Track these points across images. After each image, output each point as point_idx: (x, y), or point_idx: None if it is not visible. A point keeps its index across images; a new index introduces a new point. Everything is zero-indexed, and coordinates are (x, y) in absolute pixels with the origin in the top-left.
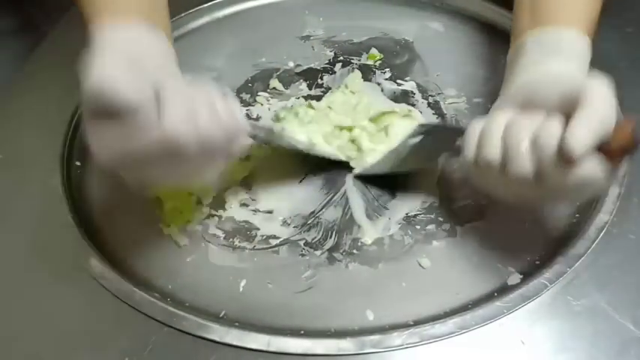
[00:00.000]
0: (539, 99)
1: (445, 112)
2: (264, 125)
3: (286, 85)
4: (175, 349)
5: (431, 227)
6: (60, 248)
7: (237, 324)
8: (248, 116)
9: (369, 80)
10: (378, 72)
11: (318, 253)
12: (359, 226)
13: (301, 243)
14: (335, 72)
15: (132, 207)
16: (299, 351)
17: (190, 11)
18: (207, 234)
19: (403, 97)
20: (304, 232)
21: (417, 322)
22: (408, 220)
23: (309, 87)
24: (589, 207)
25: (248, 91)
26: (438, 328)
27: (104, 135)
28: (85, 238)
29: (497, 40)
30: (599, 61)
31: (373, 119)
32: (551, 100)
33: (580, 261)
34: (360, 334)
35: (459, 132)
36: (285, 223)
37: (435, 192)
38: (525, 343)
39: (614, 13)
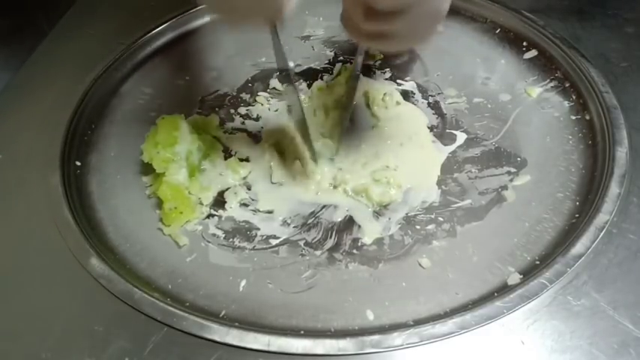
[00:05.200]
0: None
1: (445, 112)
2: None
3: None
4: (175, 349)
5: (431, 227)
6: (60, 248)
7: (237, 324)
8: (248, 116)
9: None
10: (378, 72)
11: (318, 253)
12: (359, 226)
13: (301, 243)
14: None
15: (132, 207)
16: (299, 351)
17: (190, 11)
18: (207, 234)
19: (403, 97)
20: (304, 232)
21: (417, 322)
22: (408, 220)
23: (309, 87)
24: (589, 207)
25: (248, 91)
26: (438, 328)
27: None
28: (85, 238)
29: (497, 40)
30: (599, 61)
31: None
32: None
33: (580, 261)
34: (360, 334)
35: None
36: (285, 223)
37: (435, 192)
38: (525, 343)
39: (614, 13)
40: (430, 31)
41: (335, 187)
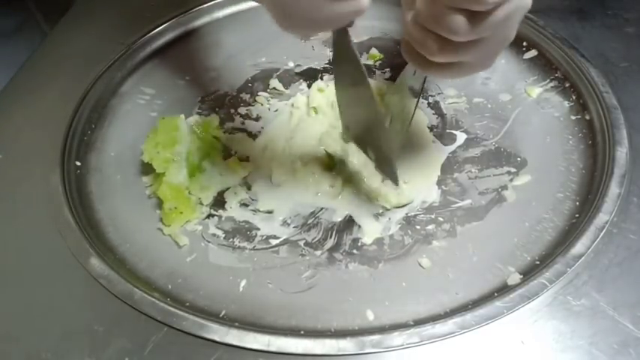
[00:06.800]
0: None
1: (445, 112)
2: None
3: (286, 85)
4: (175, 349)
5: (431, 227)
6: (60, 248)
7: (237, 324)
8: (248, 116)
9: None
10: (378, 72)
11: (318, 253)
12: (359, 226)
13: (301, 243)
14: None
15: (132, 207)
16: (299, 351)
17: (190, 11)
18: (207, 234)
19: None
20: (304, 232)
21: (417, 322)
22: (408, 220)
23: (309, 87)
24: (589, 207)
25: (248, 91)
26: (438, 328)
27: None
28: (85, 238)
29: None
30: (599, 61)
31: None
32: None
33: (580, 261)
34: (360, 334)
35: None
36: (285, 223)
37: (435, 192)
38: (525, 343)
39: (614, 13)
40: (495, 57)
41: (334, 187)
